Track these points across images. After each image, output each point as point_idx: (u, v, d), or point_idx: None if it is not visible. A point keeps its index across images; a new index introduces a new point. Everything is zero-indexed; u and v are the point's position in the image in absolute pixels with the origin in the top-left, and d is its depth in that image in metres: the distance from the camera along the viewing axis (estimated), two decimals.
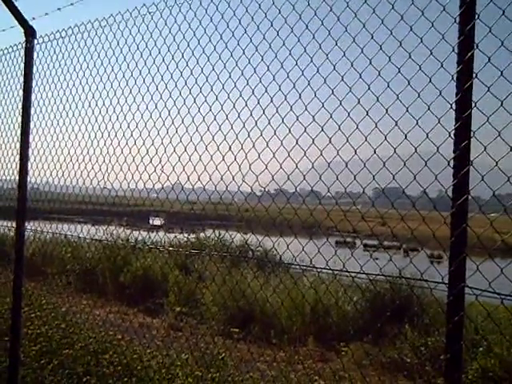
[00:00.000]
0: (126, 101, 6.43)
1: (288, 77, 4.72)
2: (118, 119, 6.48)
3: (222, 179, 5.19)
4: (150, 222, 30.90)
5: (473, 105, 3.49)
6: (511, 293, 3.29)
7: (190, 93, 5.60)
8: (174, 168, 5.65)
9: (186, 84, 5.67)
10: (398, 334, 9.62)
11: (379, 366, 8.80)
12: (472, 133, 3.46)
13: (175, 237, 17.34)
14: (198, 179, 5.41)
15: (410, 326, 9.65)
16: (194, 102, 5.54)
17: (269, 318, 10.40)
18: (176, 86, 5.81)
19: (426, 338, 9.17)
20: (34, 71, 6.99)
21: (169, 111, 5.86)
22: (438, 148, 3.68)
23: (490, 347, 8.37)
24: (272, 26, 4.88)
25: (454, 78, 3.54)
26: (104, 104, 6.71)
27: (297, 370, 6.55)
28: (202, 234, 18.72)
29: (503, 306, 3.63)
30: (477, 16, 3.53)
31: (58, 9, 6.51)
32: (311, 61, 4.58)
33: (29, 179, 6.61)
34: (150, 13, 5.98)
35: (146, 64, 6.23)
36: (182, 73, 5.77)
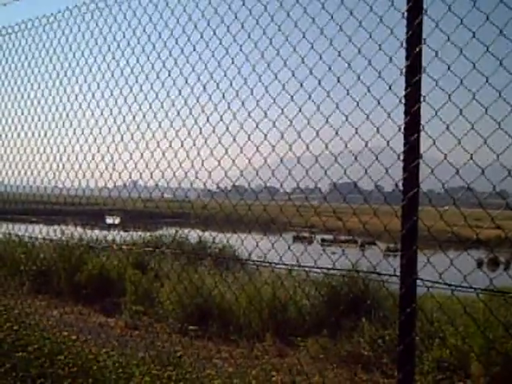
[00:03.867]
0: (76, 98, 6.35)
1: (239, 72, 4.71)
2: (68, 116, 6.40)
3: (174, 176, 5.15)
4: (106, 220, 30.57)
5: (422, 99, 3.53)
6: (461, 283, 3.33)
7: (141, 89, 5.55)
8: (125, 165, 5.60)
9: (136, 81, 5.63)
10: (355, 328, 9.70)
11: (337, 360, 8.86)
12: (422, 126, 3.50)
13: (131, 235, 17.17)
14: (151, 176, 5.37)
15: (368, 320, 9.73)
16: (146, 98, 5.49)
17: (226, 315, 10.37)
18: (127, 82, 5.76)
19: (383, 331, 9.25)
20: None
21: (119, 108, 5.80)
22: (388, 142, 3.71)
23: (444, 338, 8.50)
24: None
25: (403, 73, 3.57)
26: (54, 101, 6.63)
27: (254, 366, 6.54)
28: (158, 232, 18.58)
29: (455, 296, 3.68)
30: (424, 11, 3.57)
31: None
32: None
33: None
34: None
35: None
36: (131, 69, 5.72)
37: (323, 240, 17.10)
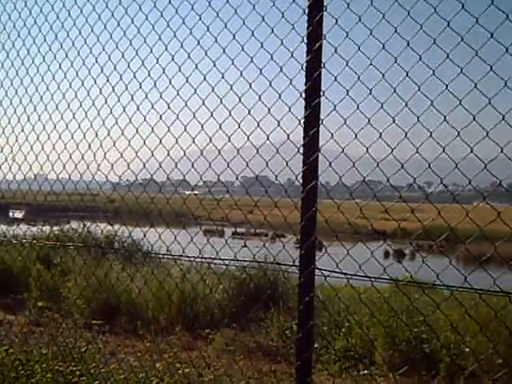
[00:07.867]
0: None
1: (143, 64, 4.67)
2: None
3: (76, 168, 5.05)
4: (10, 214, 29.65)
5: (321, 93, 3.61)
6: (357, 272, 3.45)
7: (43, 80, 5.41)
8: (26, 157, 5.45)
9: (38, 70, 5.48)
10: (265, 319, 9.82)
11: (245, 351, 8.94)
12: (321, 120, 3.58)
13: (34, 230, 16.68)
14: (52, 169, 5.25)
15: (277, 311, 9.87)
16: (47, 89, 5.36)
17: (135, 310, 10.27)
18: (27, 72, 5.60)
19: (291, 322, 9.41)
20: None
21: (20, 98, 5.64)
22: (288, 136, 3.78)
23: (350, 328, 8.74)
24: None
25: (304, 67, 3.64)
26: None
27: (160, 360, 6.51)
28: (64, 226, 18.15)
29: (350, 285, 3.80)
30: (324, 8, 3.64)
31: None
32: (165, 45, 4.55)
33: None
34: None
35: None
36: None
37: (234, 233, 17.20)
